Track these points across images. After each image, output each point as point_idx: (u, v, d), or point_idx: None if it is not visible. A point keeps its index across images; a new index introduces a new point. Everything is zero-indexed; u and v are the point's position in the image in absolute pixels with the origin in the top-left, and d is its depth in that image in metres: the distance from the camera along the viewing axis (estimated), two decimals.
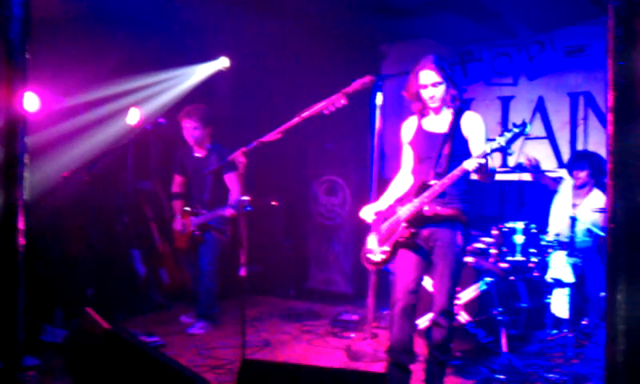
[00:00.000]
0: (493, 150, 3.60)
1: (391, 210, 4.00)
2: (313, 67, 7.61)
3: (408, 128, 4.16)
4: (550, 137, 6.93)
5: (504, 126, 7.23)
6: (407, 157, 4.19)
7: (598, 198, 5.70)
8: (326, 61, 7.51)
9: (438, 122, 4.00)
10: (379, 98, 4.11)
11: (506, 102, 7.24)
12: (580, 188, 5.76)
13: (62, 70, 6.01)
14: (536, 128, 7.02)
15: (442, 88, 3.91)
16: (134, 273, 6.45)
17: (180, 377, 2.71)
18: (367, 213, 4.11)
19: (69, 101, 6.23)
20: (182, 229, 5.96)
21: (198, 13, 6.48)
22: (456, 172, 3.68)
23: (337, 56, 7.47)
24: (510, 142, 3.62)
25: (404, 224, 3.88)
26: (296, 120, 3.86)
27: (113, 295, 6.09)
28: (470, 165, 3.61)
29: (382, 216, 4.00)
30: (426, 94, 3.94)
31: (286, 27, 7.02)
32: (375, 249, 4.00)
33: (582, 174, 5.71)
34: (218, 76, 7.31)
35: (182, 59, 7.04)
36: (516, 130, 3.62)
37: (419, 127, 4.09)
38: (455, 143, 3.88)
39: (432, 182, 3.78)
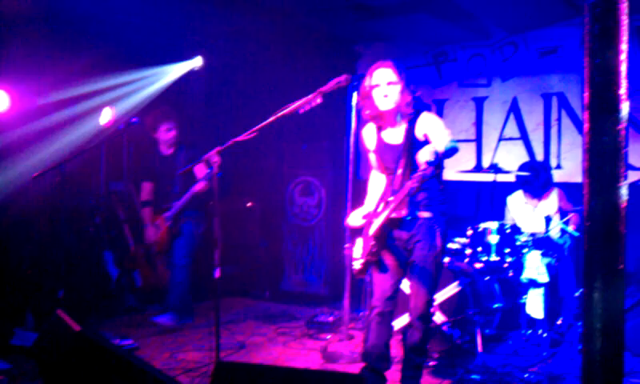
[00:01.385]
0: (430, 163, 3.36)
1: (376, 212, 3.92)
2: (288, 66, 7.59)
3: (369, 135, 4.07)
4: (524, 138, 6.98)
5: (478, 126, 7.27)
6: (374, 160, 4.15)
7: (553, 196, 5.80)
8: (301, 60, 7.49)
9: (395, 134, 3.91)
10: (355, 98, 4.09)
11: (480, 103, 7.28)
12: (535, 198, 5.85)
13: (33, 68, 5.92)
14: (510, 129, 7.06)
15: (397, 89, 3.79)
16: (107, 275, 6.36)
17: (152, 379, 2.67)
18: (355, 218, 4.05)
19: (40, 100, 6.13)
20: (155, 233, 5.89)
21: (172, 11, 6.41)
22: (401, 194, 3.61)
23: (312, 55, 7.45)
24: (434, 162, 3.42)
25: (372, 242, 3.84)
26: (271, 119, 3.83)
27: (85, 298, 6.00)
28: (412, 184, 3.47)
29: (370, 219, 3.92)
30: (379, 93, 3.80)
31: (262, 26, 6.98)
32: (357, 257, 3.95)
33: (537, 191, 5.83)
34: (191, 75, 7.24)
35: (156, 58, 6.97)
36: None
37: (379, 138, 4.01)
38: (412, 153, 3.69)
39: (390, 199, 3.73)
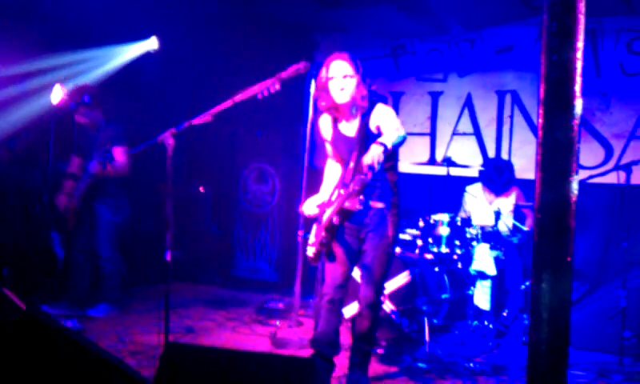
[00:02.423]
0: (371, 168, 3.39)
1: (330, 201, 3.94)
2: (246, 52, 7.52)
3: (325, 126, 4.10)
4: (477, 133, 7.10)
5: (433, 120, 7.36)
6: (330, 150, 4.17)
7: (511, 194, 5.95)
8: (259, 47, 7.43)
9: (350, 126, 3.95)
10: (313, 87, 4.09)
11: (435, 98, 7.36)
12: (494, 194, 5.99)
13: None
14: (464, 124, 7.17)
15: (353, 82, 3.80)
16: (53, 256, 6.22)
17: (100, 360, 2.62)
18: (309, 206, 4.05)
19: None
20: (64, 202, 5.69)
21: None
22: (346, 192, 3.64)
23: (271, 42, 7.40)
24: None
25: (323, 233, 3.87)
26: (228, 103, 3.79)
27: (30, 278, 5.86)
28: (354, 187, 3.51)
29: (324, 208, 3.94)
30: (335, 85, 3.82)
31: (220, 10, 6.91)
32: (311, 243, 3.97)
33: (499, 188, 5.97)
34: (147, 56, 7.12)
35: (111, 38, 6.83)
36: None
37: (335, 129, 4.03)
38: (367, 147, 3.65)
39: (340, 192, 3.76)
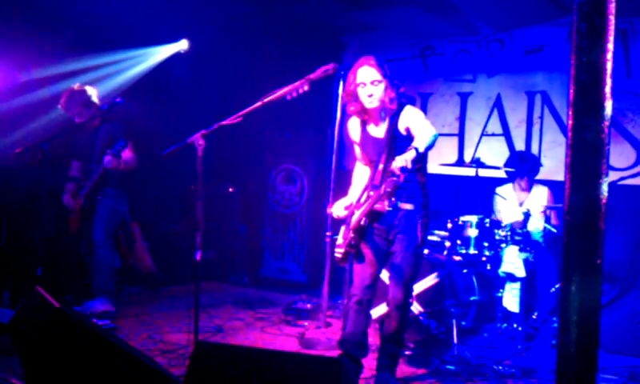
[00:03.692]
0: (403, 170, 3.45)
1: (358, 203, 3.97)
2: (274, 54, 7.57)
3: (354, 128, 4.11)
4: (506, 134, 7.04)
5: (461, 121, 7.32)
6: (359, 152, 4.19)
7: (540, 192, 5.87)
8: (287, 48, 7.47)
9: (379, 128, 3.96)
10: (341, 88, 4.10)
11: (464, 98, 7.33)
12: (524, 190, 5.93)
13: (17, 44, 5.85)
14: (493, 125, 7.12)
15: (381, 87, 3.82)
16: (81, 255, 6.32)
17: (131, 359, 2.67)
18: (338, 208, 4.08)
19: (23, 76, 6.06)
20: (70, 201, 5.76)
21: None
22: (376, 194, 3.66)
23: (299, 44, 7.45)
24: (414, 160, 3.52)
25: (351, 234, 3.89)
26: (258, 104, 3.84)
27: (63, 277, 5.96)
28: (386, 188, 3.53)
29: (353, 210, 3.96)
30: (364, 92, 3.83)
31: (249, 13, 6.96)
32: (339, 244, 3.99)
33: (523, 181, 5.88)
34: (177, 58, 7.20)
35: (141, 40, 6.92)
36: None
37: (364, 131, 4.04)
38: (395, 148, 3.77)
39: (370, 194, 3.77)
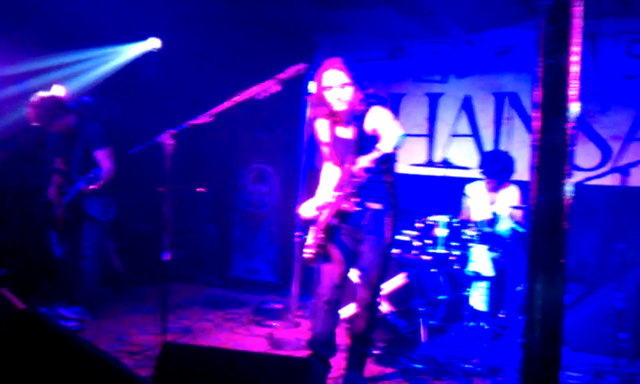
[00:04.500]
0: (367, 171, 3.52)
1: (327, 203, 3.96)
2: (245, 53, 7.54)
3: (322, 129, 4.12)
4: (475, 135, 7.11)
5: (431, 122, 7.37)
6: (328, 153, 4.19)
7: (510, 192, 5.91)
8: (259, 47, 7.45)
9: (348, 129, 3.96)
10: (311, 87, 4.10)
11: (434, 99, 7.38)
12: (492, 190, 5.95)
13: None
14: (462, 126, 7.19)
15: (349, 90, 3.82)
16: (51, 255, 6.23)
17: (98, 360, 2.63)
18: (307, 209, 4.07)
19: None
20: (54, 194, 5.65)
21: None
22: (341, 195, 3.68)
23: (271, 43, 7.42)
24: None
25: (320, 234, 3.89)
26: (228, 104, 3.81)
27: (28, 278, 5.86)
28: (348, 189, 3.58)
29: (321, 210, 3.96)
30: (331, 95, 3.84)
31: (220, 11, 6.92)
32: (308, 245, 3.99)
33: (492, 182, 5.90)
34: (147, 56, 7.13)
35: (110, 38, 6.84)
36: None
37: (333, 132, 4.05)
38: (363, 149, 3.74)
39: (337, 194, 3.77)
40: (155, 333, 4.59)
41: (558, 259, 1.94)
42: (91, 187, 5.19)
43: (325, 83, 3.83)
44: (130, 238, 7.17)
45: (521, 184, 6.10)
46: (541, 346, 1.94)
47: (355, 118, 3.87)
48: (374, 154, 3.48)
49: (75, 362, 2.68)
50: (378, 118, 3.82)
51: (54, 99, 5.42)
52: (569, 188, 1.94)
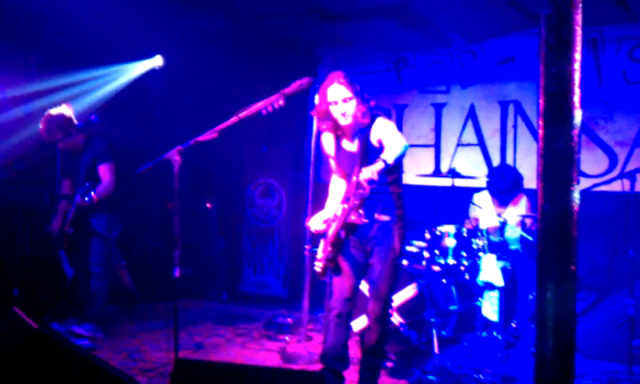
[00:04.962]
0: (371, 183, 3.47)
1: (335, 216, 3.97)
2: (249, 68, 7.60)
3: (328, 143, 4.13)
4: (481, 144, 7.12)
5: (437, 132, 7.39)
6: (334, 166, 4.21)
7: (518, 200, 5.91)
8: (262, 62, 7.50)
9: (353, 142, 3.98)
10: (316, 101, 4.12)
11: (439, 109, 7.40)
12: (502, 205, 5.92)
13: None
14: (468, 135, 7.20)
15: (353, 103, 3.82)
16: (62, 275, 6.26)
17: (111, 378, 2.65)
18: (316, 222, 4.08)
19: None
20: (57, 225, 5.66)
21: (132, 10, 6.36)
22: (348, 207, 3.69)
23: (274, 58, 7.48)
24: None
25: (329, 248, 3.89)
26: (233, 119, 3.83)
27: (40, 297, 5.89)
28: (354, 202, 3.59)
29: (330, 223, 3.97)
30: (336, 110, 3.84)
31: (223, 27, 6.98)
32: (319, 258, 3.99)
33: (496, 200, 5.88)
34: (151, 74, 7.18)
35: (115, 57, 6.90)
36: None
37: (338, 145, 4.06)
38: (368, 161, 3.72)
39: (344, 207, 3.77)
40: (167, 349, 4.61)
41: (569, 266, 1.94)
42: (87, 200, 5.23)
43: (329, 98, 3.84)
44: (140, 255, 7.20)
45: (528, 192, 6.11)
46: (554, 355, 1.94)
47: (360, 131, 3.89)
48: (378, 166, 3.48)
49: (89, 380, 2.69)
50: (382, 130, 3.83)
51: (64, 116, 5.49)
52: (576, 195, 1.95)
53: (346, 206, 3.76)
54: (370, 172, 3.45)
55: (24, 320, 2.88)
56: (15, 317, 2.99)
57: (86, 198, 5.22)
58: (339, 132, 4.01)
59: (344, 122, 3.87)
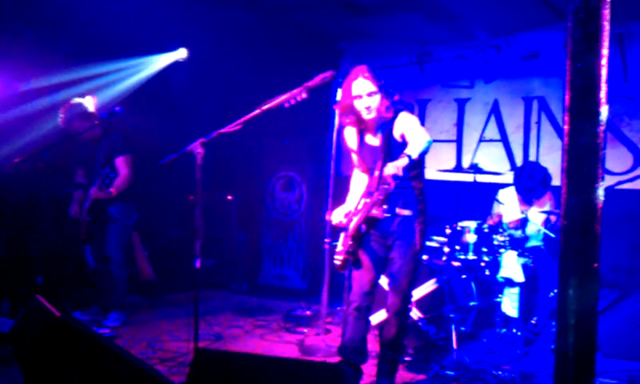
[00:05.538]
0: (395, 178, 3.46)
1: (356, 210, 3.97)
2: (272, 61, 7.60)
3: (351, 137, 4.12)
4: (504, 140, 7.07)
5: (459, 127, 7.35)
6: (356, 160, 4.20)
7: (543, 197, 5.84)
8: (285, 55, 7.50)
9: (376, 136, 3.97)
10: (339, 95, 4.12)
11: (462, 104, 7.35)
12: (527, 203, 5.83)
13: (16, 54, 5.87)
14: (490, 131, 7.15)
15: (377, 98, 3.81)
16: (85, 264, 6.34)
17: (132, 367, 2.68)
18: (337, 215, 4.09)
19: (22, 86, 6.08)
20: (76, 211, 5.73)
21: (157, 2, 6.39)
22: (371, 201, 3.68)
23: (296, 51, 7.47)
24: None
25: (349, 241, 3.89)
26: (256, 112, 3.85)
27: (63, 286, 5.96)
28: (378, 196, 3.59)
29: (351, 216, 3.97)
30: (360, 104, 3.84)
31: (247, 20, 6.99)
32: (339, 252, 4.00)
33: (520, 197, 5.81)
34: (176, 66, 7.22)
35: (140, 49, 6.94)
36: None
37: (361, 139, 4.05)
38: (391, 155, 3.75)
39: (366, 201, 3.76)
40: (187, 339, 4.65)
41: (592, 264, 1.93)
42: (104, 194, 5.29)
43: (354, 93, 3.83)
44: (161, 246, 7.26)
45: (552, 188, 6.05)
46: (574, 352, 1.92)
47: (383, 125, 3.88)
48: (402, 161, 3.47)
49: (110, 368, 2.72)
50: (405, 124, 3.82)
51: (85, 106, 5.56)
52: (601, 192, 1.93)
53: (368, 200, 3.76)
54: (394, 167, 3.44)
55: (47, 308, 2.92)
56: (38, 305, 3.04)
57: (102, 191, 5.28)
58: (362, 126, 4.00)
59: (367, 116, 3.86)
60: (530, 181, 5.66)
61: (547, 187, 5.76)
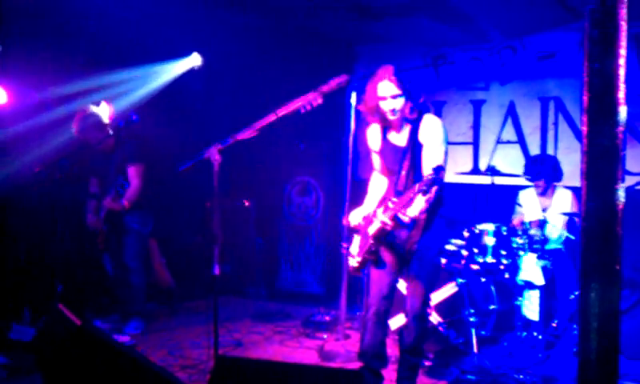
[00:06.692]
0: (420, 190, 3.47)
1: (376, 213, 3.97)
2: (287, 66, 7.61)
3: (373, 136, 4.11)
4: (521, 141, 7.02)
5: (475, 129, 7.31)
6: (377, 161, 4.19)
7: (564, 197, 5.80)
8: (300, 60, 7.51)
9: (400, 135, 3.96)
10: (354, 98, 4.12)
11: (477, 106, 7.32)
12: (543, 194, 5.84)
13: (33, 63, 5.92)
14: (507, 132, 7.11)
15: (401, 100, 3.82)
16: (105, 272, 6.38)
17: (154, 375, 2.69)
18: (355, 217, 4.08)
19: (40, 95, 6.13)
20: (93, 221, 5.78)
21: (171, 9, 6.42)
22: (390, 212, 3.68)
23: (311, 55, 7.48)
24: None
25: (371, 241, 3.88)
26: (271, 117, 3.85)
27: (83, 294, 6.01)
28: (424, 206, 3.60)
29: (369, 220, 3.96)
30: (386, 106, 3.84)
31: (261, 25, 7.01)
32: (354, 254, 3.99)
33: (541, 182, 5.79)
34: (190, 73, 7.26)
35: (155, 56, 6.98)
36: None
37: (384, 138, 4.05)
38: (416, 155, 3.80)
39: (394, 199, 3.75)
40: (207, 346, 4.66)
41: (613, 265, 1.91)
42: (117, 205, 5.34)
43: (379, 94, 3.83)
44: (179, 253, 7.29)
45: (569, 189, 6.00)
46: (597, 355, 1.90)
47: (409, 124, 3.88)
48: (421, 204, 3.52)
49: (132, 376, 2.74)
50: (427, 133, 3.83)
51: (99, 116, 5.60)
52: (621, 193, 1.91)
53: (395, 199, 3.67)
54: (416, 211, 3.53)
55: (68, 316, 2.94)
56: (59, 313, 3.06)
57: (116, 204, 5.34)
58: (386, 124, 3.99)
59: (393, 117, 3.86)
60: (539, 165, 5.73)
61: (558, 172, 5.77)
